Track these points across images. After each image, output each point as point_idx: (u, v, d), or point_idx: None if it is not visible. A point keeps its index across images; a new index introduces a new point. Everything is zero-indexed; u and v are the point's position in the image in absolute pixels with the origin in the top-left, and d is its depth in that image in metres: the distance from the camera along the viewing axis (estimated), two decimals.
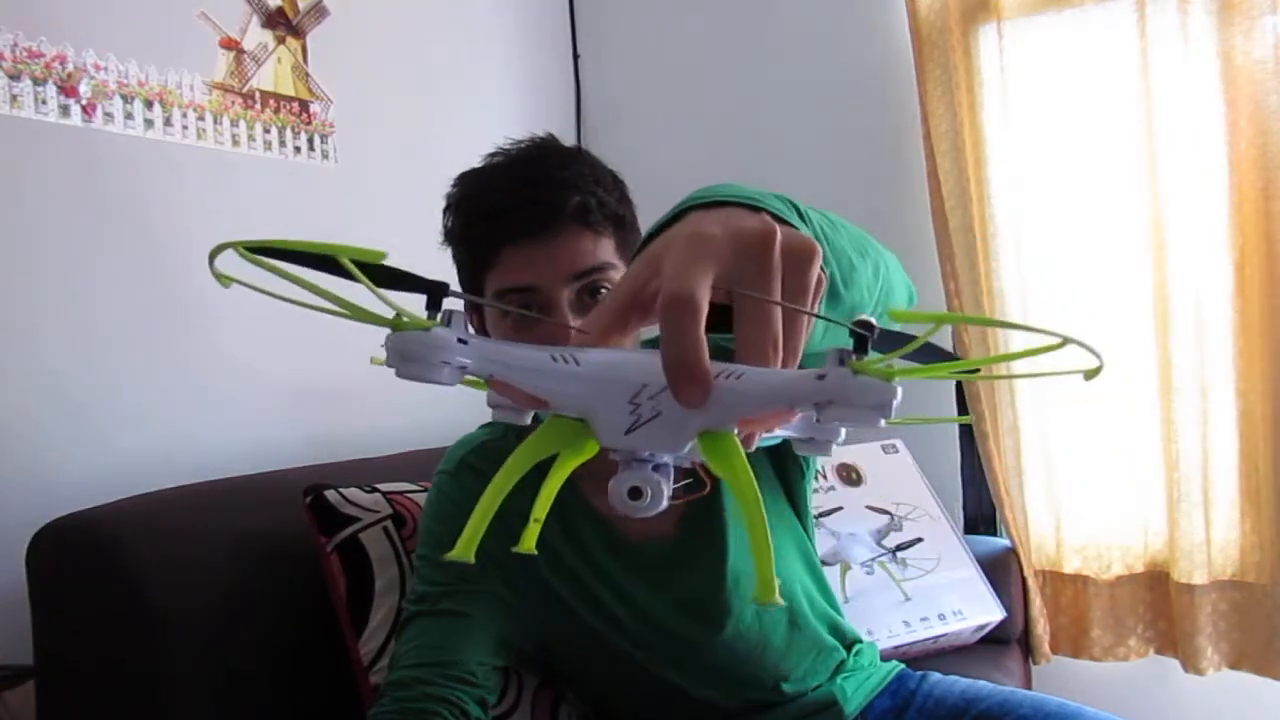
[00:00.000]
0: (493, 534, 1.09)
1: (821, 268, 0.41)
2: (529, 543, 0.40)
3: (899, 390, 0.34)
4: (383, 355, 0.38)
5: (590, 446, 0.38)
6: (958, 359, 0.37)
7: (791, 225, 0.45)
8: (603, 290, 0.89)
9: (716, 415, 0.36)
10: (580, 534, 0.98)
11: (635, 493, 0.37)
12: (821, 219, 0.55)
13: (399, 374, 0.37)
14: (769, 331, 0.37)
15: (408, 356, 0.36)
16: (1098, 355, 0.35)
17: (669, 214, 0.48)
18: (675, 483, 0.38)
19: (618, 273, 0.91)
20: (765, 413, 0.36)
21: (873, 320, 0.35)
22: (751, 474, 0.37)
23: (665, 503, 0.37)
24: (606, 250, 0.90)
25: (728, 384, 0.36)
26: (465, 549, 0.40)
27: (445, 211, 0.95)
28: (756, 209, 0.45)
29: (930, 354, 0.38)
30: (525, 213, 0.87)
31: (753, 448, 0.38)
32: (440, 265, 1.57)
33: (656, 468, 0.37)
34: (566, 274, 0.87)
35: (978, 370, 0.35)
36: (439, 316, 0.38)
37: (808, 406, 0.35)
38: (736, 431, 0.37)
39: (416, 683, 0.88)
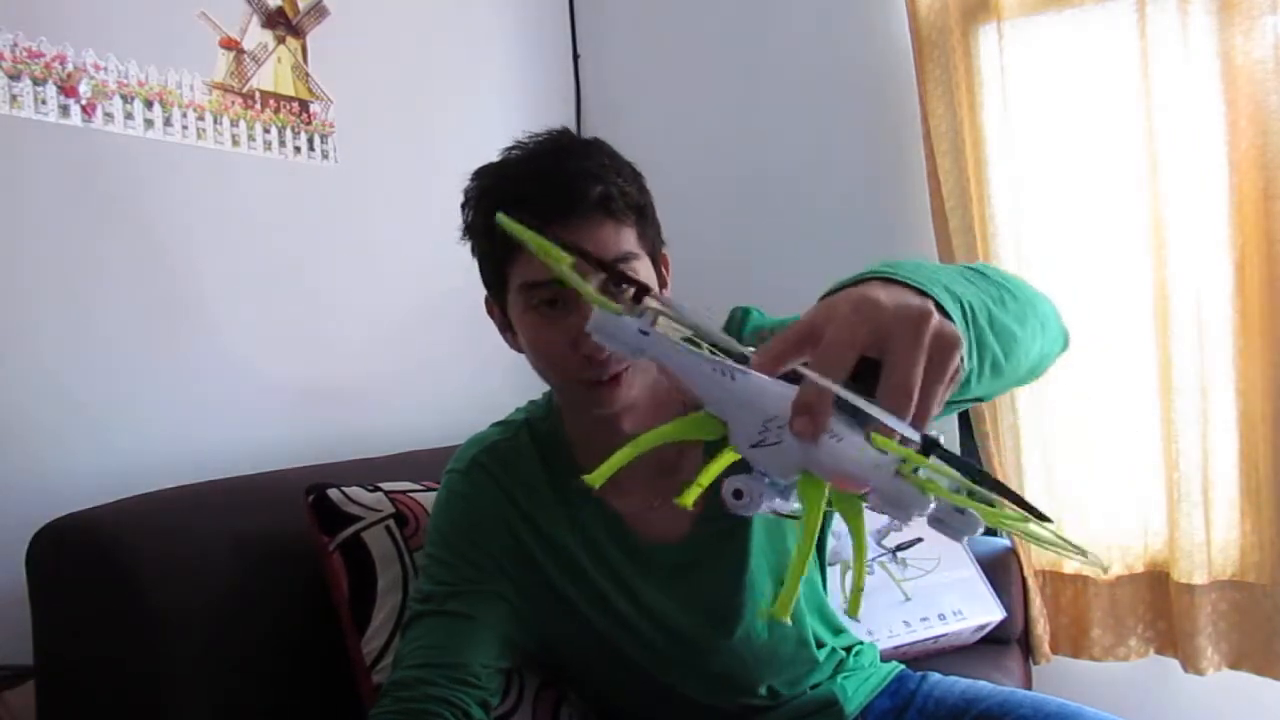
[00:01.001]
0: (497, 539, 1.08)
1: (961, 358, 0.49)
2: (688, 499, 0.46)
3: (930, 503, 0.42)
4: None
5: (722, 441, 0.47)
6: (1008, 511, 0.43)
7: (950, 317, 0.52)
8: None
9: (816, 464, 0.44)
10: (593, 532, 0.98)
11: (738, 494, 0.45)
12: (989, 297, 0.61)
13: (594, 338, 0.47)
14: (908, 385, 0.45)
15: (603, 330, 0.47)
16: (1083, 551, 0.44)
17: (854, 276, 0.55)
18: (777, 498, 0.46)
19: (640, 262, 0.91)
20: (847, 480, 0.44)
21: (940, 439, 0.43)
22: (820, 520, 0.46)
23: (762, 508, 0.46)
24: (629, 240, 0.90)
25: (829, 442, 0.44)
26: (598, 478, 0.46)
27: (464, 206, 0.94)
28: (924, 293, 0.52)
29: (988, 484, 0.44)
30: (548, 203, 0.86)
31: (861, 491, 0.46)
32: (439, 263, 1.57)
33: (768, 481, 0.46)
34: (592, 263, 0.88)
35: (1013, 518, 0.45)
36: (636, 310, 0.47)
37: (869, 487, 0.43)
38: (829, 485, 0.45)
39: (419, 683, 0.88)
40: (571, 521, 0.98)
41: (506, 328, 0.97)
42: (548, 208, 0.86)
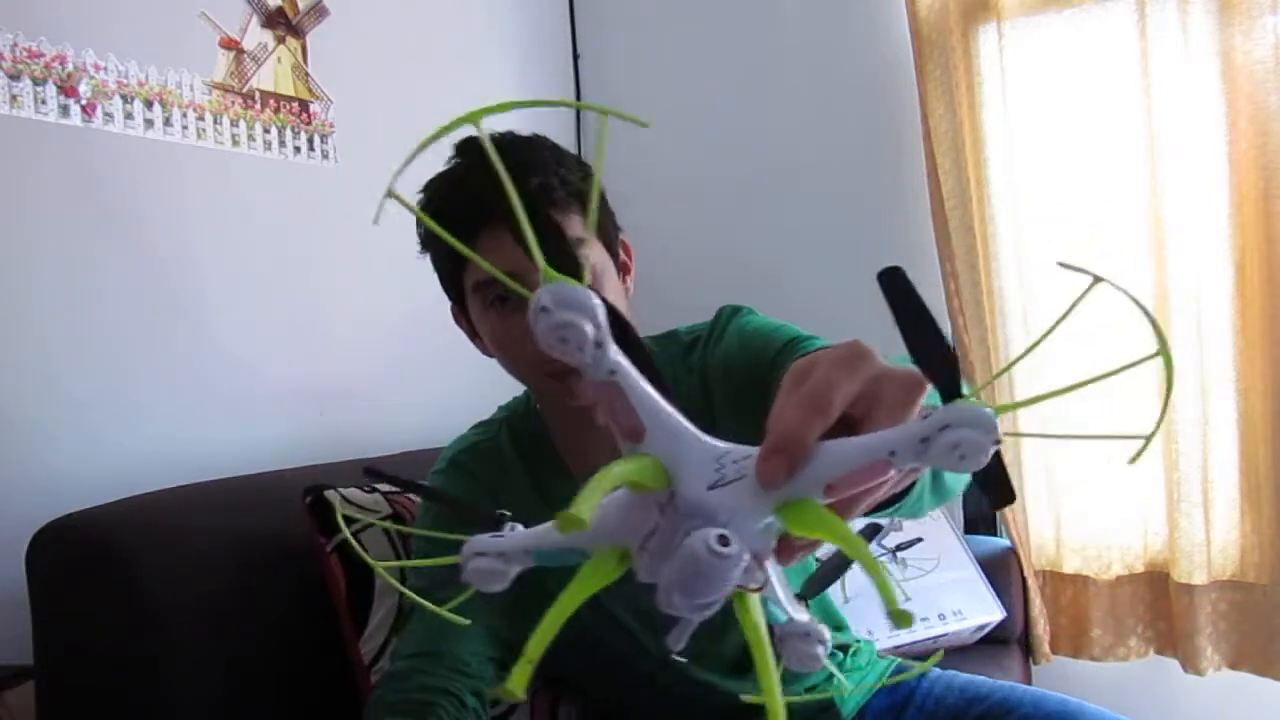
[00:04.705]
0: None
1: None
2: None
3: (997, 421, 0.33)
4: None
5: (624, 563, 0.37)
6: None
7: None
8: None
9: (800, 480, 0.34)
10: None
11: (723, 540, 0.33)
12: None
13: (543, 328, 0.35)
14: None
15: (562, 301, 0.35)
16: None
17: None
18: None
19: (593, 249, 0.91)
20: (857, 469, 0.34)
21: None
22: (846, 525, 0.34)
23: (760, 578, 0.36)
24: (574, 226, 0.90)
25: (818, 450, 0.34)
26: (581, 513, 0.34)
27: (418, 221, 0.95)
28: None
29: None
30: (490, 202, 0.86)
31: (851, 517, 0.37)
32: None
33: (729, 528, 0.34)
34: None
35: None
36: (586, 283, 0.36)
37: (910, 451, 0.33)
38: (822, 501, 0.35)
39: (415, 673, 0.89)
40: (547, 511, 0.97)
41: (474, 334, 0.98)
42: (490, 205, 0.86)
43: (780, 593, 0.39)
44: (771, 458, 0.34)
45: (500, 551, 0.41)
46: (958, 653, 1.64)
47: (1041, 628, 1.83)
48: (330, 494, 1.18)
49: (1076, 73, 1.80)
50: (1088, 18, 1.79)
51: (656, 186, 2.24)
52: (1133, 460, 0.37)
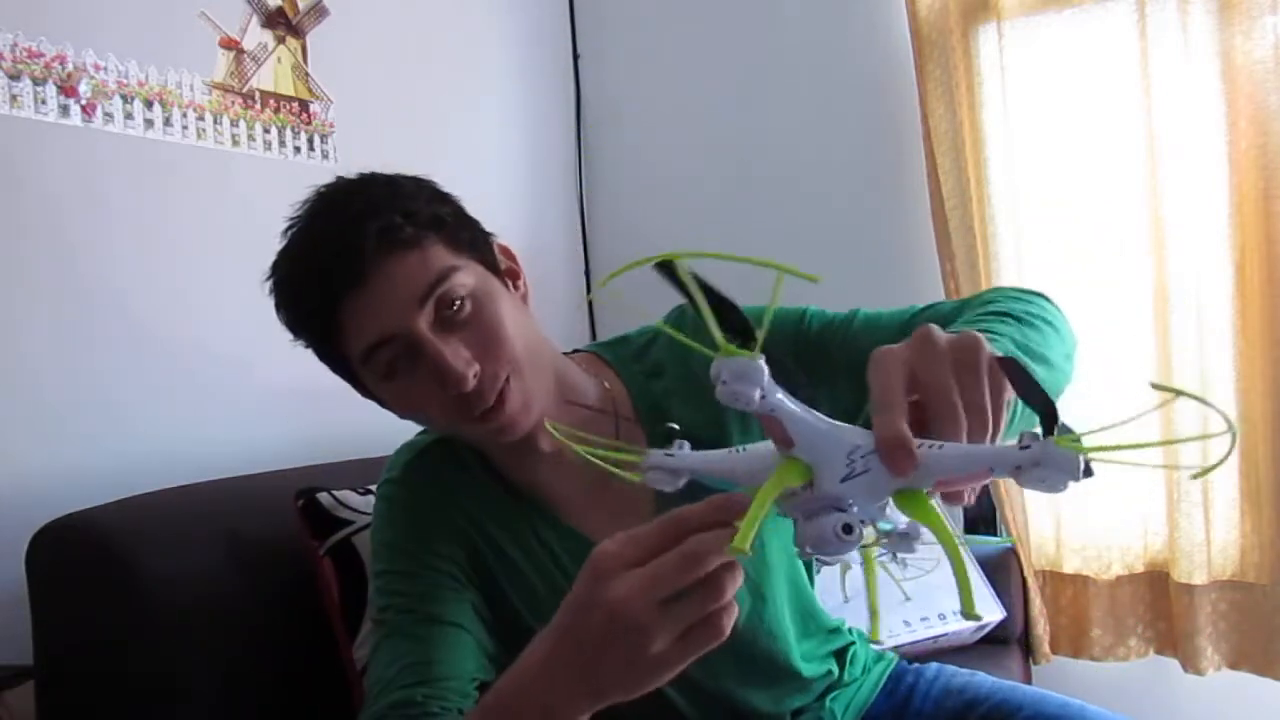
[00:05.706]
0: (451, 539, 1.00)
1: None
2: (744, 543, 0.47)
3: (1082, 460, 0.43)
4: None
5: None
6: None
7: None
8: (459, 303, 0.81)
9: (914, 478, 0.47)
10: (555, 552, 0.91)
11: (848, 529, 0.46)
12: (1023, 334, 0.71)
13: (728, 384, 0.47)
14: (980, 405, 0.50)
15: (738, 374, 0.47)
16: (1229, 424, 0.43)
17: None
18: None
19: (465, 273, 0.83)
20: (962, 475, 0.47)
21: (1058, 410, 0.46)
22: (945, 520, 0.47)
23: (870, 536, 0.49)
24: (439, 257, 0.82)
25: (929, 453, 0.46)
26: (743, 541, 0.46)
27: (276, 311, 0.87)
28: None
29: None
30: (332, 271, 0.80)
31: (962, 503, 0.50)
32: None
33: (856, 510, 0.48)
34: (410, 303, 0.80)
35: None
36: (757, 351, 0.48)
37: (1005, 470, 0.45)
38: (930, 491, 0.48)
39: (429, 699, 0.80)
40: (525, 536, 0.91)
41: (386, 405, 0.90)
42: (334, 274, 0.80)
43: (890, 510, 0.51)
44: (895, 453, 0.46)
45: (673, 469, 0.56)
46: (958, 653, 1.64)
47: (1041, 628, 1.83)
48: (323, 496, 1.18)
49: (1076, 73, 1.80)
50: (1088, 18, 1.79)
51: (655, 186, 2.24)
52: (1195, 476, 0.47)
